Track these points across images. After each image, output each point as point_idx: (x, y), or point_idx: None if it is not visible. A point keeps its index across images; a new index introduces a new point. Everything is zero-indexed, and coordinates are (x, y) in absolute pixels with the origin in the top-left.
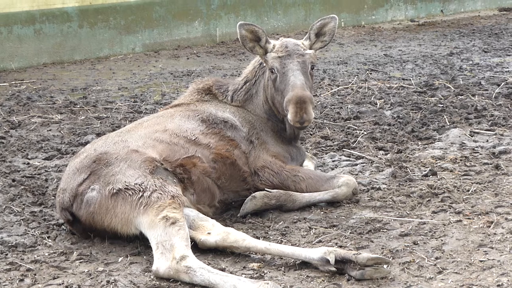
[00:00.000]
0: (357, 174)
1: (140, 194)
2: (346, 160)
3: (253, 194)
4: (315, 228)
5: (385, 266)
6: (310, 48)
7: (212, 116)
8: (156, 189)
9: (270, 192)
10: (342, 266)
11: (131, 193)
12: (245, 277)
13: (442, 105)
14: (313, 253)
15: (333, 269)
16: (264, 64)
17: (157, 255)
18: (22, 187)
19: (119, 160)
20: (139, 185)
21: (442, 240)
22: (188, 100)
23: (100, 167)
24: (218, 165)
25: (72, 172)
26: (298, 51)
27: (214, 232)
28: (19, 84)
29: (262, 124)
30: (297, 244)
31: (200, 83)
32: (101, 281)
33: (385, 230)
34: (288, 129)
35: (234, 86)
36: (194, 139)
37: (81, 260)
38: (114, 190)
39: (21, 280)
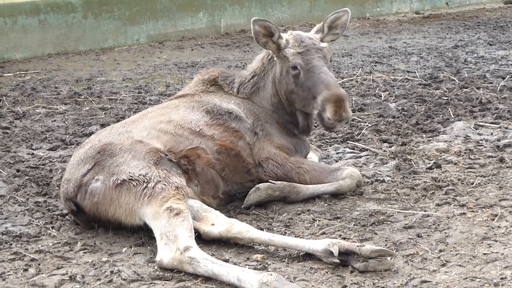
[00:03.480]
0: (361, 166)
1: (144, 185)
2: (350, 152)
3: (257, 186)
4: (318, 220)
5: (388, 258)
6: (321, 41)
7: (217, 107)
8: (160, 180)
9: (274, 183)
10: (345, 258)
11: (135, 184)
12: (248, 268)
13: (446, 98)
14: (317, 245)
15: (337, 260)
16: (275, 59)
17: (161, 246)
18: (27, 177)
19: (123, 151)
20: (143, 176)
21: (446, 233)
22: (193, 91)
23: (104, 158)
24: (222, 156)
25: (76, 162)
26: (315, 45)
27: (218, 223)
28: (23, 75)
29: (267, 116)
30: (301, 236)
31: (205, 74)
32: (105, 271)
33: (389, 223)
34: (301, 122)
35: (240, 78)
36: (199, 131)
37: (85, 250)
38: (119, 181)
39: (25, 270)
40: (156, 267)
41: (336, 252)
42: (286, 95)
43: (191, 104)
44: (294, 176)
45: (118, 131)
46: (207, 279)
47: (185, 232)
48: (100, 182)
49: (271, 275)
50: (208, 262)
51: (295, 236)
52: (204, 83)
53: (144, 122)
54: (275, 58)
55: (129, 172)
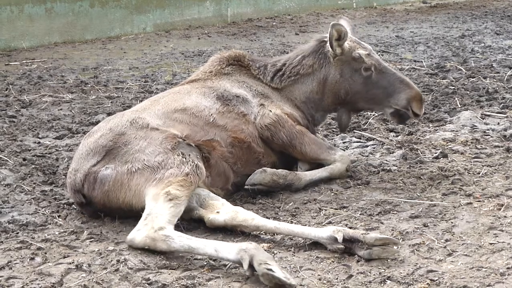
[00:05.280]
0: (367, 156)
1: (158, 170)
2: (357, 142)
3: (264, 168)
4: (325, 209)
5: (393, 246)
6: None
7: (226, 93)
8: (172, 166)
9: (278, 171)
10: (350, 245)
11: (150, 171)
12: None
13: (453, 88)
14: (322, 232)
15: (341, 247)
16: (333, 61)
17: (140, 226)
18: (33, 166)
19: (138, 139)
20: (158, 162)
21: (452, 223)
22: (207, 74)
23: (117, 146)
24: (235, 150)
25: (85, 152)
26: (369, 47)
27: (223, 211)
28: (30, 63)
29: (284, 99)
30: (307, 225)
31: (225, 52)
32: (111, 260)
33: (395, 212)
34: (345, 120)
35: (275, 68)
36: (212, 120)
37: (91, 239)
38: (134, 169)
39: (32, 259)
40: (162, 256)
41: (340, 239)
42: (346, 95)
43: (202, 90)
44: (297, 144)
45: (130, 119)
46: (213, 268)
47: (166, 216)
48: (110, 169)
49: (251, 243)
50: (183, 238)
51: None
52: (221, 62)
53: (157, 110)
54: (332, 60)
55: (144, 159)
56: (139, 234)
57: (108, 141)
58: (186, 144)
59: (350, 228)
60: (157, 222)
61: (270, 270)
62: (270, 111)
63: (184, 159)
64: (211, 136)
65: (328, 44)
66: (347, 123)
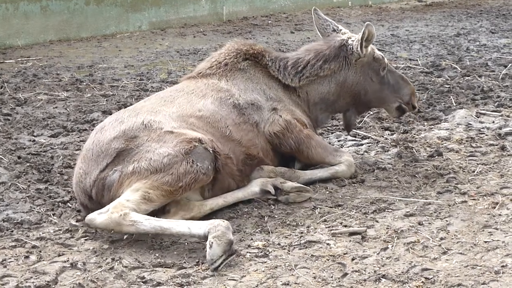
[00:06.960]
0: (362, 154)
1: (159, 172)
2: (352, 140)
3: (261, 166)
4: (320, 208)
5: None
6: None
7: (242, 99)
8: (174, 173)
9: (276, 169)
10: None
11: (152, 170)
12: (249, 255)
13: (448, 86)
14: (255, 188)
15: (273, 196)
16: (355, 62)
17: (105, 209)
18: (28, 164)
19: (150, 141)
20: (164, 164)
21: (447, 221)
22: (222, 62)
23: (129, 148)
24: (245, 168)
25: (96, 153)
26: None
27: (172, 211)
28: (25, 61)
29: (294, 102)
30: (302, 224)
31: (245, 44)
32: (106, 259)
33: (390, 210)
34: (353, 120)
35: (296, 70)
36: (228, 134)
37: (86, 238)
38: (139, 168)
39: (27, 257)
40: (157, 254)
41: (272, 190)
42: (365, 95)
43: (218, 95)
44: (304, 149)
45: (146, 121)
46: (208, 266)
47: (133, 206)
48: (117, 172)
49: (223, 221)
50: (152, 220)
51: (296, 224)
52: (237, 54)
53: (171, 113)
54: (353, 62)
55: (151, 158)
56: (100, 216)
57: (120, 144)
58: (203, 148)
59: (345, 227)
60: (123, 209)
61: (210, 246)
62: (281, 116)
63: (191, 168)
64: (226, 151)
65: (349, 46)
66: (354, 123)
